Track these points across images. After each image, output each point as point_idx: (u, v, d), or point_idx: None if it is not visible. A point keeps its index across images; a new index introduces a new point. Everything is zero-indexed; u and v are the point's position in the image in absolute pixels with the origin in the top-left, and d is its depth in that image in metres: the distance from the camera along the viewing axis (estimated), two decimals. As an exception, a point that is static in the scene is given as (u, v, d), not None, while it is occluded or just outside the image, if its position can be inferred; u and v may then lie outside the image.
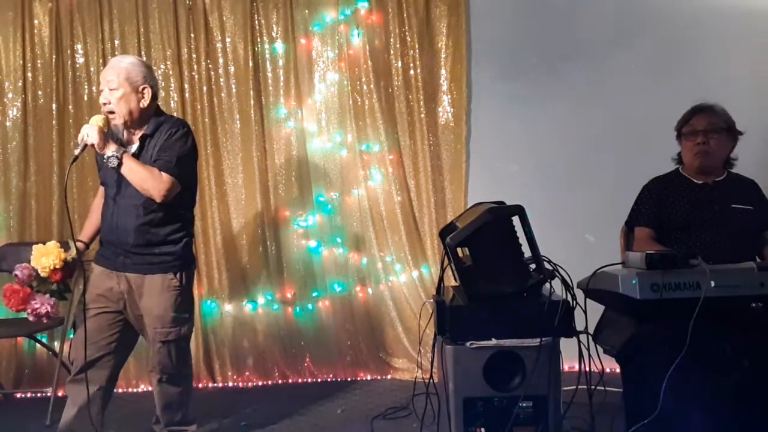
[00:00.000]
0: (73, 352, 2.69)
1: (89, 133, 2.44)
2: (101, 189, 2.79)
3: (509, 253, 2.22)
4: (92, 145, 2.45)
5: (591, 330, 2.34)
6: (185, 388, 2.78)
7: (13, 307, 2.71)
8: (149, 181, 2.48)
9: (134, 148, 2.59)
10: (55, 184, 3.78)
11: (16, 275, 2.68)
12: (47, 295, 2.65)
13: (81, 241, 2.73)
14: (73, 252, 2.68)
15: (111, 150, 2.45)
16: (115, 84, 2.53)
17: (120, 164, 2.45)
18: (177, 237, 2.63)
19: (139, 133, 2.61)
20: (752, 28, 3.83)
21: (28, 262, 2.66)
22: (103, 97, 2.56)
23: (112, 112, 2.54)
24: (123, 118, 2.55)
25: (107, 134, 2.51)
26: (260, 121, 3.86)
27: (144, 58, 3.76)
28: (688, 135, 2.82)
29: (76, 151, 2.47)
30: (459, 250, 2.27)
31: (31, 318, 2.69)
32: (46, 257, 2.57)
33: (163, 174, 2.50)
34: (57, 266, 2.57)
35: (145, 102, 2.58)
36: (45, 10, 3.78)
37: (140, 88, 2.56)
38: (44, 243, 2.65)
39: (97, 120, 2.50)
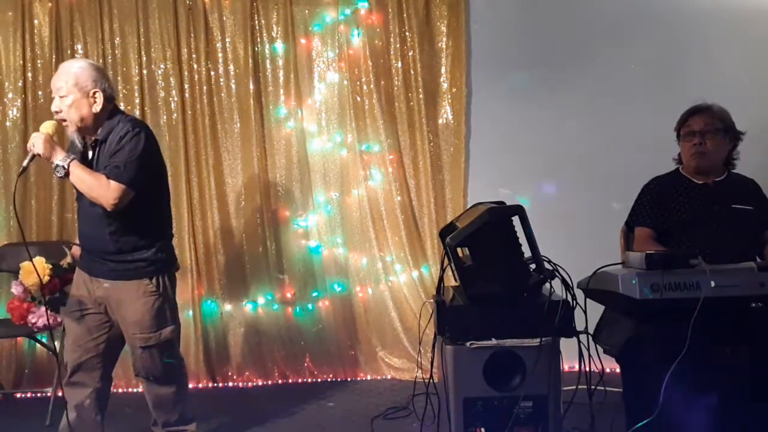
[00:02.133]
0: (65, 354, 2.68)
1: (35, 143, 2.38)
2: None
3: (509, 253, 2.22)
4: (39, 155, 2.39)
5: (591, 330, 2.34)
6: (178, 389, 2.75)
7: (16, 321, 2.81)
8: (97, 189, 2.39)
9: (90, 155, 2.53)
10: (54, 184, 3.78)
11: (13, 293, 2.70)
12: (43, 308, 2.65)
13: (77, 245, 2.71)
14: (68, 258, 2.68)
15: (58, 158, 2.39)
16: (64, 91, 2.45)
17: (67, 174, 2.38)
18: (148, 242, 2.56)
19: (92, 139, 2.54)
20: (752, 28, 3.83)
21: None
22: (54, 105, 2.48)
23: (64, 120, 2.47)
24: (75, 125, 2.48)
25: (70, 147, 2.45)
26: (260, 121, 3.86)
27: (144, 59, 3.78)
28: (685, 136, 2.83)
29: (24, 162, 2.43)
30: (459, 250, 2.27)
31: (35, 330, 2.71)
32: (31, 275, 2.57)
33: (111, 182, 2.39)
34: (44, 282, 2.56)
35: (97, 107, 2.48)
36: (45, 10, 3.78)
37: (91, 93, 2.47)
38: (31, 260, 2.65)
39: (46, 127, 2.44)
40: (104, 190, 2.39)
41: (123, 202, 2.42)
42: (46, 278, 2.58)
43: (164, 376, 2.68)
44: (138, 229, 2.54)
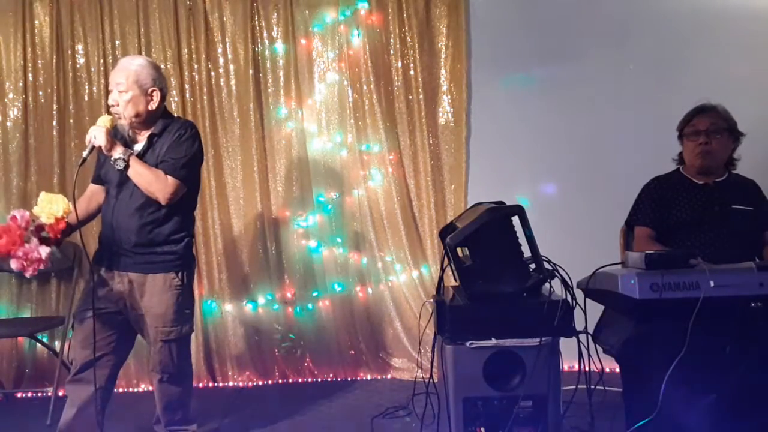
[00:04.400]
0: (72, 352, 2.69)
1: (96, 135, 2.45)
2: (91, 186, 2.78)
3: (509, 253, 2.22)
4: (99, 148, 2.47)
5: (591, 330, 2.34)
6: (186, 388, 2.78)
7: (1, 249, 2.37)
8: (155, 184, 2.51)
9: (141, 146, 2.61)
10: (55, 184, 3.78)
11: (13, 216, 2.41)
12: (34, 242, 2.40)
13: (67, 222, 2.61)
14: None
15: (118, 152, 2.47)
16: (124, 87, 2.54)
17: (126, 167, 2.47)
18: (179, 237, 2.64)
19: (146, 133, 2.62)
20: (752, 28, 3.83)
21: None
22: (111, 99, 2.57)
23: (119, 114, 2.56)
24: (130, 120, 2.57)
25: (113, 134, 2.52)
26: (260, 122, 3.87)
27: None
28: (690, 135, 2.82)
29: (84, 153, 2.48)
30: (459, 250, 2.27)
31: (16, 265, 2.36)
32: (54, 205, 2.45)
33: (169, 177, 2.52)
34: (64, 216, 2.46)
35: (153, 104, 2.59)
36: (45, 11, 3.79)
37: (149, 91, 2.57)
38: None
39: (104, 121, 2.51)
40: (162, 184, 2.51)
41: (177, 197, 2.55)
42: (66, 214, 2.49)
43: (177, 373, 2.70)
44: (172, 223, 2.61)
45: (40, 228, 2.45)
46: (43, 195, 2.50)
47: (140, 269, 2.60)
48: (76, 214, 2.57)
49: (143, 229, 2.57)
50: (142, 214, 2.57)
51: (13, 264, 2.38)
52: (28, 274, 2.40)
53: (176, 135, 2.59)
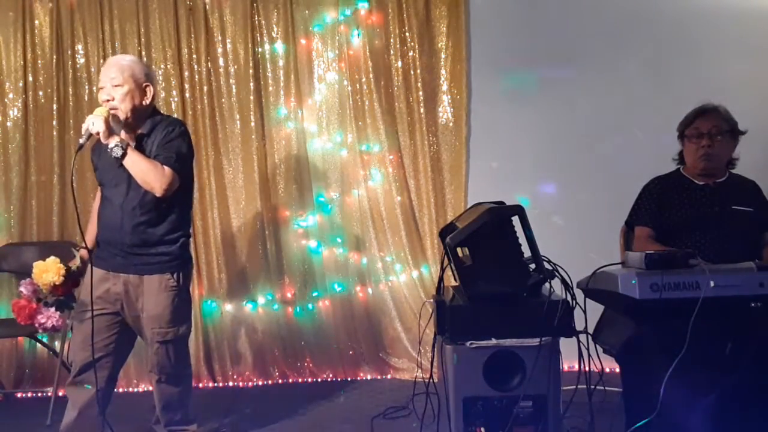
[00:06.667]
0: (72, 353, 2.69)
1: (95, 122, 2.44)
2: (99, 192, 2.79)
3: (509, 253, 2.22)
4: (97, 134, 2.45)
5: (591, 330, 2.34)
6: (185, 388, 2.78)
7: (21, 322, 2.74)
8: (152, 173, 2.48)
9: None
10: (55, 183, 3.79)
11: (21, 291, 2.72)
12: (53, 309, 2.68)
13: (84, 248, 2.70)
14: (77, 261, 2.69)
15: (115, 140, 2.46)
16: (120, 80, 2.53)
17: (124, 155, 2.45)
18: (174, 237, 2.62)
19: (135, 133, 2.60)
20: (752, 28, 3.84)
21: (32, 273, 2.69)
22: (105, 93, 2.55)
23: (114, 108, 2.54)
24: (125, 114, 2.55)
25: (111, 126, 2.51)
26: (260, 122, 3.87)
27: (144, 59, 3.78)
28: (692, 137, 2.81)
29: (81, 140, 2.47)
30: (459, 250, 2.27)
31: (39, 331, 2.73)
32: (46, 274, 2.58)
33: (165, 168, 2.50)
34: (57, 282, 2.59)
35: (147, 100, 2.59)
36: (45, 11, 3.79)
37: (143, 86, 2.58)
38: (44, 260, 2.65)
39: (101, 111, 2.50)
40: (159, 175, 2.49)
41: (172, 188, 2.53)
42: (61, 279, 2.60)
43: (175, 374, 2.70)
44: (166, 223, 2.60)
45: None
46: (35, 266, 2.61)
47: (136, 270, 2.59)
48: (79, 223, 2.63)
49: (137, 230, 2.56)
50: (135, 214, 2.56)
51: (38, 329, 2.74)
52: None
53: (164, 132, 2.58)
